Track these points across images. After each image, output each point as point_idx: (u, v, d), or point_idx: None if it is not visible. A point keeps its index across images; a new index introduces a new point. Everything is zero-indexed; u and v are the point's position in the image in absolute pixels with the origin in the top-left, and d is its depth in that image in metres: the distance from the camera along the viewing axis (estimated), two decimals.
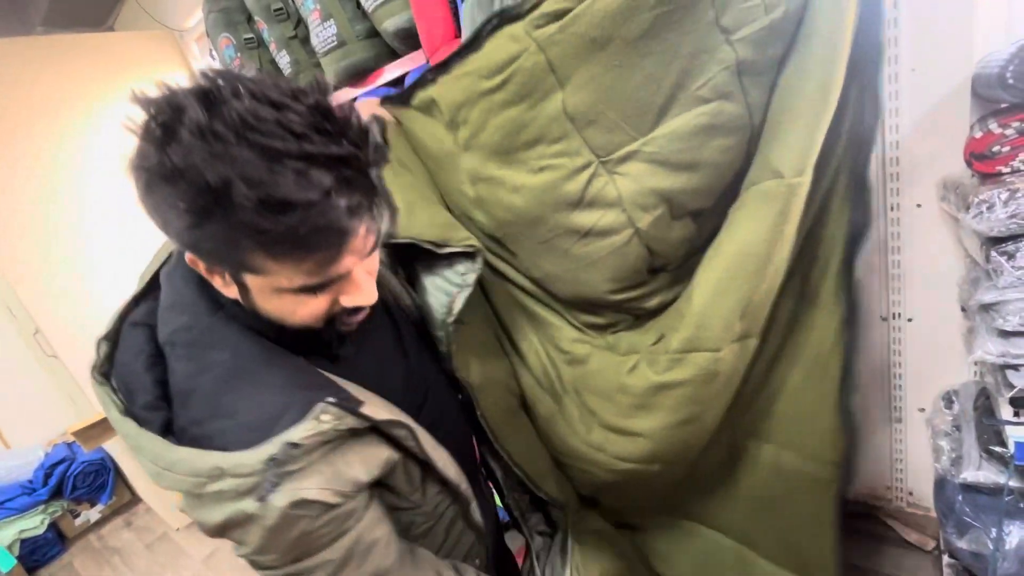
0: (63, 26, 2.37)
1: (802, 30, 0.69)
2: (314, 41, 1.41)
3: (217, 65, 1.87)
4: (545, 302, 0.95)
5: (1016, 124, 0.77)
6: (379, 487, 0.57)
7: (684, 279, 0.84)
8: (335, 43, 1.36)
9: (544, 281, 0.91)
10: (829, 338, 0.81)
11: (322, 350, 0.58)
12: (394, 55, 1.35)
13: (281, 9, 1.46)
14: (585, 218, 0.81)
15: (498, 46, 0.78)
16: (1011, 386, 0.81)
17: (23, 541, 2.40)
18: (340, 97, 0.46)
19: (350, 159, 0.42)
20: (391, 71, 1.36)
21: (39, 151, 2.02)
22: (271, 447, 0.45)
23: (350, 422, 0.48)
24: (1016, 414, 0.85)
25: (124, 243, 2.19)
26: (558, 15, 0.73)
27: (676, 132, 0.74)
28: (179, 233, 0.44)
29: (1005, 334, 0.82)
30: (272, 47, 1.56)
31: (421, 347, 0.73)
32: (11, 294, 2.03)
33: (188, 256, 0.48)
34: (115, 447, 2.41)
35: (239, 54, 1.62)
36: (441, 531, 0.65)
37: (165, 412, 0.51)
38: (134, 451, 0.49)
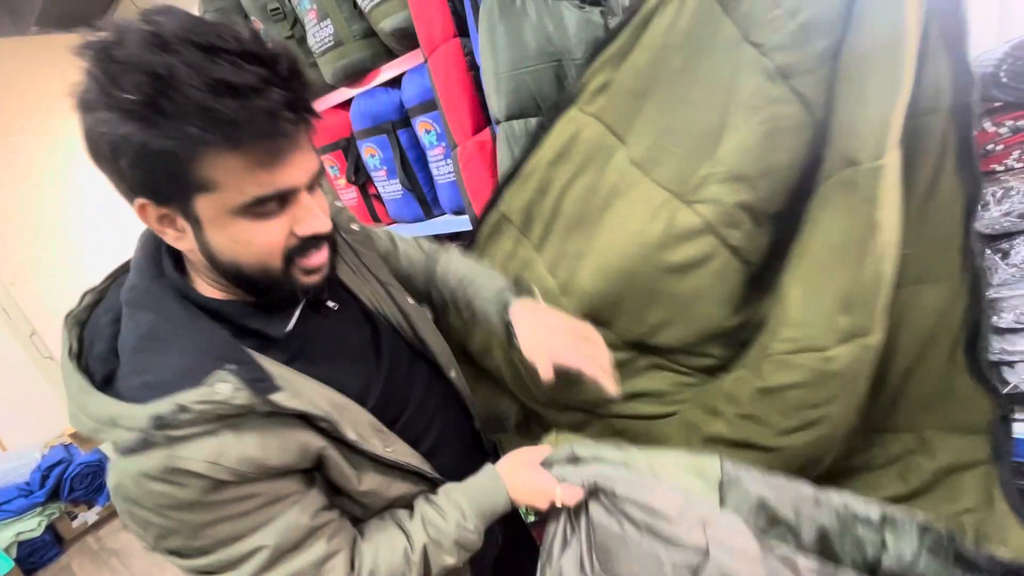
0: (57, 26, 2.36)
1: (856, 14, 0.68)
2: (311, 41, 1.41)
3: None
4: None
5: (1010, 123, 0.78)
6: (335, 492, 0.60)
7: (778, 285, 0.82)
8: (332, 43, 1.36)
9: (650, 336, 0.90)
10: (957, 314, 0.76)
11: (283, 305, 0.59)
12: (391, 55, 1.35)
13: (278, 9, 1.46)
14: (680, 253, 0.83)
15: (559, 133, 0.89)
16: (1006, 383, 0.82)
17: (20, 543, 2.40)
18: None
19: (281, 59, 0.46)
20: (388, 71, 1.36)
21: (34, 152, 2.01)
22: (162, 405, 0.46)
23: (245, 397, 0.48)
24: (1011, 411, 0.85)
25: (121, 243, 2.17)
26: (604, 87, 0.84)
27: (742, 146, 0.76)
28: (130, 158, 0.45)
29: (1000, 331, 0.82)
30: None
31: (406, 354, 0.74)
32: (7, 296, 2.02)
33: (138, 204, 0.50)
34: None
35: None
36: None
37: (113, 364, 0.54)
38: (67, 393, 0.52)
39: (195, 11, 1.94)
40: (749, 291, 0.86)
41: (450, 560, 0.62)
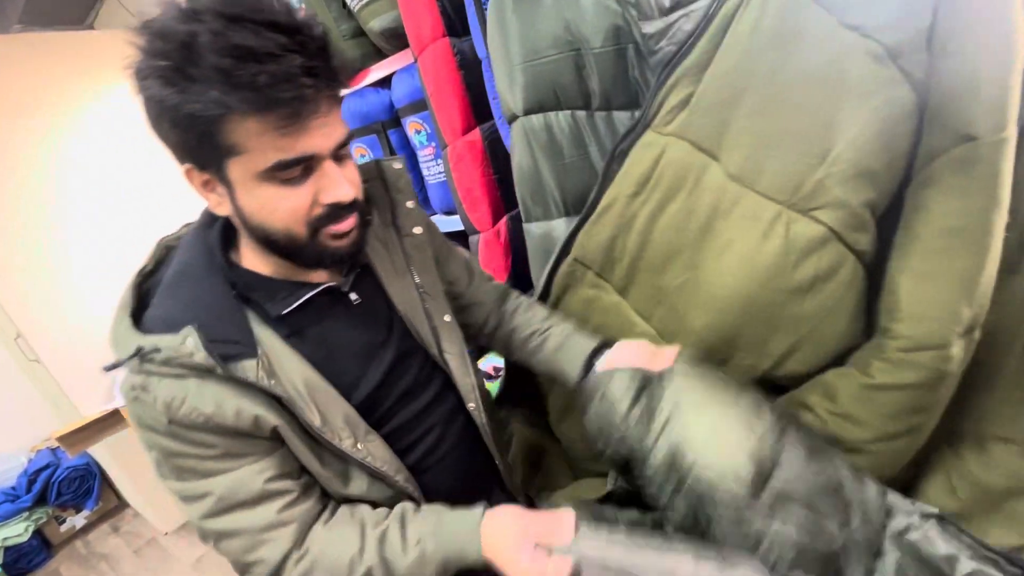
0: (41, 24, 2.32)
1: None
2: None
3: None
4: None
5: None
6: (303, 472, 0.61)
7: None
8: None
9: (776, 368, 0.79)
10: None
11: (313, 265, 0.62)
12: (380, 55, 1.35)
13: None
14: (803, 270, 0.72)
15: (636, 161, 0.81)
16: None
17: (7, 549, 2.36)
18: None
19: (304, 28, 0.48)
20: (378, 71, 1.35)
21: (17, 152, 1.98)
22: (145, 340, 0.52)
23: (202, 358, 0.51)
24: None
25: (106, 245, 2.16)
26: (683, 103, 0.77)
27: (861, 138, 0.68)
28: (169, 121, 0.49)
29: None
30: None
31: (422, 367, 0.72)
32: None
33: (185, 169, 0.55)
34: (101, 452, 2.37)
35: None
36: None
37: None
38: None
39: None
40: (871, 297, 0.76)
41: None
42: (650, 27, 0.82)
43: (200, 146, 0.51)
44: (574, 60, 0.91)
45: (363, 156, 1.43)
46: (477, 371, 0.80)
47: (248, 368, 0.54)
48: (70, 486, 2.53)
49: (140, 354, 0.51)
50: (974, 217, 0.63)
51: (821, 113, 0.69)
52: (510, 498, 0.86)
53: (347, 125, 0.57)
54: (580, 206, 0.94)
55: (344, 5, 1.29)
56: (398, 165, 0.73)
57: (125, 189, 2.23)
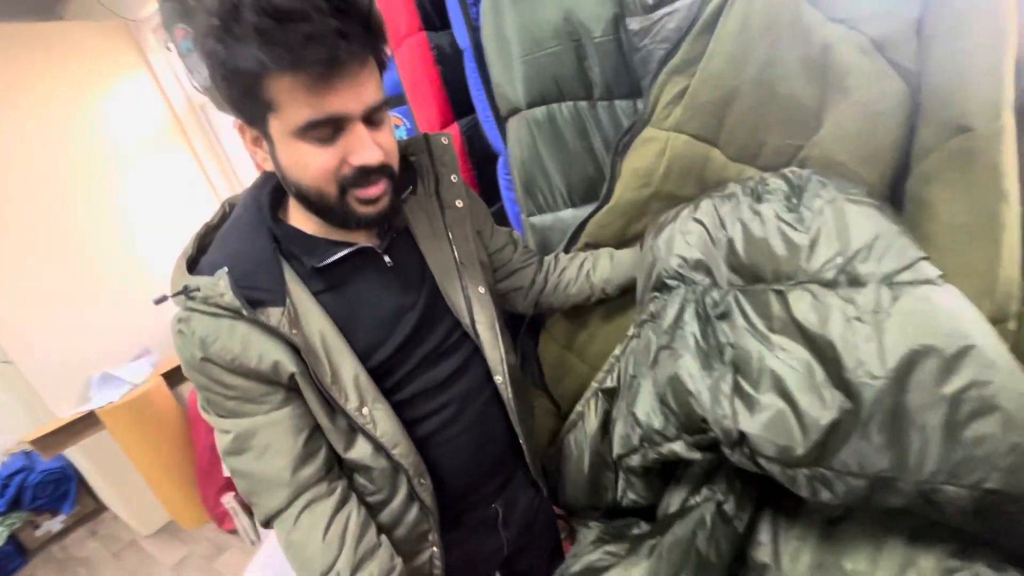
0: (8, 15, 2.25)
1: None
2: None
3: (175, 57, 1.81)
4: None
5: None
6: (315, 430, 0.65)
7: None
8: None
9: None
10: None
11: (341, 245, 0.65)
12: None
13: None
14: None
15: (640, 155, 0.84)
16: None
17: None
18: None
19: (344, 2, 0.51)
20: None
21: None
22: (191, 280, 0.58)
23: (230, 299, 0.56)
24: None
25: (78, 243, 2.10)
26: (678, 97, 0.79)
27: (837, 131, 0.69)
28: (220, 74, 0.53)
29: None
30: None
31: (450, 336, 0.74)
32: None
33: (237, 125, 0.59)
34: (77, 454, 2.33)
35: (197, 46, 1.57)
36: (383, 494, 0.69)
37: None
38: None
39: (151, 3, 1.88)
40: None
41: None
42: (634, 23, 0.83)
43: (245, 101, 0.55)
44: (575, 50, 0.91)
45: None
46: (511, 348, 0.82)
47: (273, 315, 0.58)
48: (45, 490, 2.47)
49: (185, 292, 0.58)
50: (980, 210, 0.60)
51: (810, 101, 0.71)
52: (531, 482, 0.89)
53: (383, 91, 0.59)
54: (586, 196, 0.96)
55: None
56: (445, 140, 0.76)
57: (98, 185, 2.18)
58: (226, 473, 1.99)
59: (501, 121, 1.03)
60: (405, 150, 0.75)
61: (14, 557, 2.42)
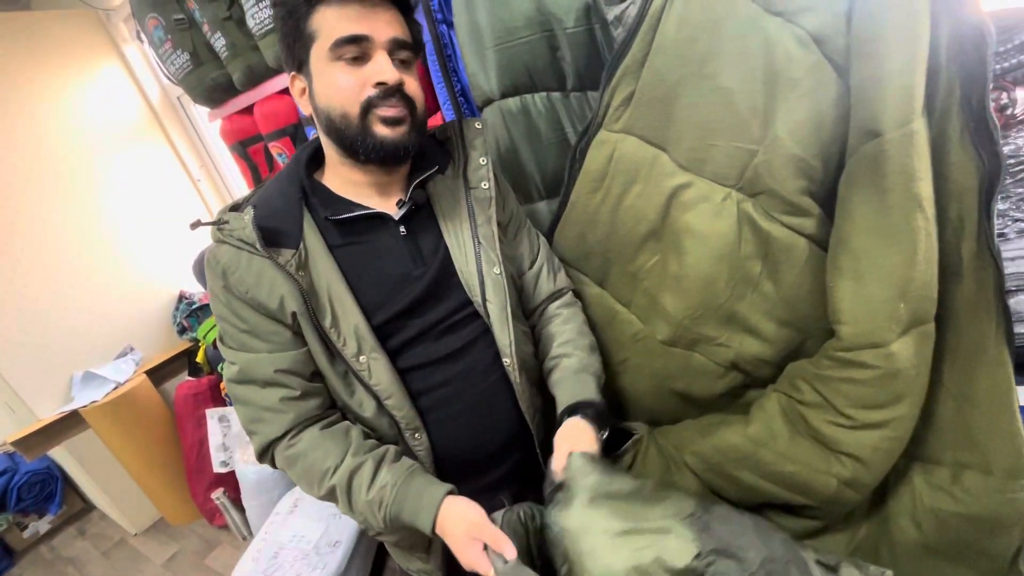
0: None
1: None
2: (250, 23, 1.34)
3: (147, 47, 1.76)
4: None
5: None
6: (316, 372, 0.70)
7: None
8: (272, 25, 1.30)
9: (743, 354, 0.81)
10: (986, 315, 0.65)
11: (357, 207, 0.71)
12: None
13: None
14: (748, 246, 0.75)
15: (591, 159, 0.84)
16: None
17: None
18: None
19: None
20: None
21: None
22: (225, 214, 0.68)
23: (248, 233, 0.63)
24: None
25: (55, 241, 2.06)
26: (627, 100, 0.80)
27: (792, 124, 0.68)
28: (281, 29, 0.68)
29: None
30: (205, 28, 1.48)
31: (460, 311, 0.76)
32: None
33: (291, 76, 0.70)
34: (62, 454, 2.30)
35: (169, 36, 1.53)
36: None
37: None
38: None
39: None
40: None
41: (347, 513, 0.70)
42: (611, 13, 0.83)
43: (296, 40, 0.65)
44: (547, 41, 0.91)
45: None
46: (526, 336, 0.83)
47: (284, 255, 0.65)
48: (31, 491, 2.44)
49: (218, 223, 0.66)
50: (893, 215, 0.61)
51: (754, 98, 0.70)
52: (542, 476, 0.87)
53: (414, 35, 0.69)
54: (559, 188, 0.96)
55: None
56: (478, 125, 0.81)
57: (74, 180, 2.12)
58: (216, 469, 1.99)
59: (462, 115, 1.02)
60: (442, 133, 0.83)
61: (1, 559, 2.40)
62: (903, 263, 0.62)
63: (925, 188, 0.60)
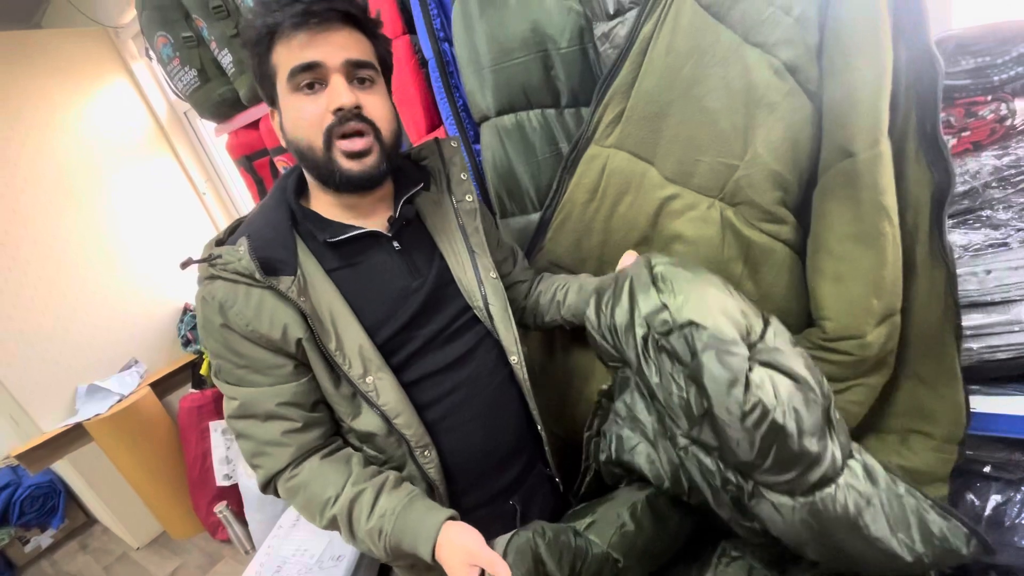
0: None
1: (832, 8, 0.69)
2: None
3: (156, 64, 1.79)
4: None
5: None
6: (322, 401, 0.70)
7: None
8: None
9: None
10: (937, 306, 0.75)
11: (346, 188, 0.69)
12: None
13: (220, 6, 1.41)
14: (731, 249, 0.84)
15: (584, 171, 0.91)
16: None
17: None
18: None
19: None
20: None
21: None
22: (215, 249, 0.65)
23: (246, 264, 0.62)
24: None
25: (62, 254, 2.08)
26: (617, 118, 0.87)
27: (769, 145, 0.76)
28: (253, 67, 0.68)
29: None
30: (213, 46, 1.51)
31: (462, 319, 0.78)
32: None
33: (270, 112, 0.71)
34: (65, 468, 2.30)
35: (178, 53, 1.56)
36: (390, 468, 0.72)
37: None
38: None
39: (131, 11, 1.86)
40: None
41: (350, 542, 0.69)
42: (598, 28, 0.89)
43: (264, 76, 0.66)
44: (542, 60, 0.95)
45: None
46: (521, 334, 0.84)
47: (284, 282, 0.64)
48: (33, 504, 2.44)
49: (209, 259, 0.64)
50: (865, 223, 0.70)
51: (735, 118, 0.78)
52: (549, 478, 0.90)
53: (369, 53, 0.67)
54: None
55: None
56: (454, 143, 0.84)
57: (81, 194, 2.15)
58: (219, 482, 1.98)
59: (464, 129, 1.06)
60: (418, 154, 0.84)
61: (3, 573, 2.38)
62: (876, 265, 0.71)
63: (890, 200, 0.69)
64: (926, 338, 0.77)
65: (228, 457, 1.98)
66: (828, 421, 0.63)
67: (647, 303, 0.67)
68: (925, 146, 0.69)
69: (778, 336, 0.65)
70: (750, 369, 0.60)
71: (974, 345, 0.83)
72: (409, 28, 1.11)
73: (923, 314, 0.76)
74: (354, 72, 0.65)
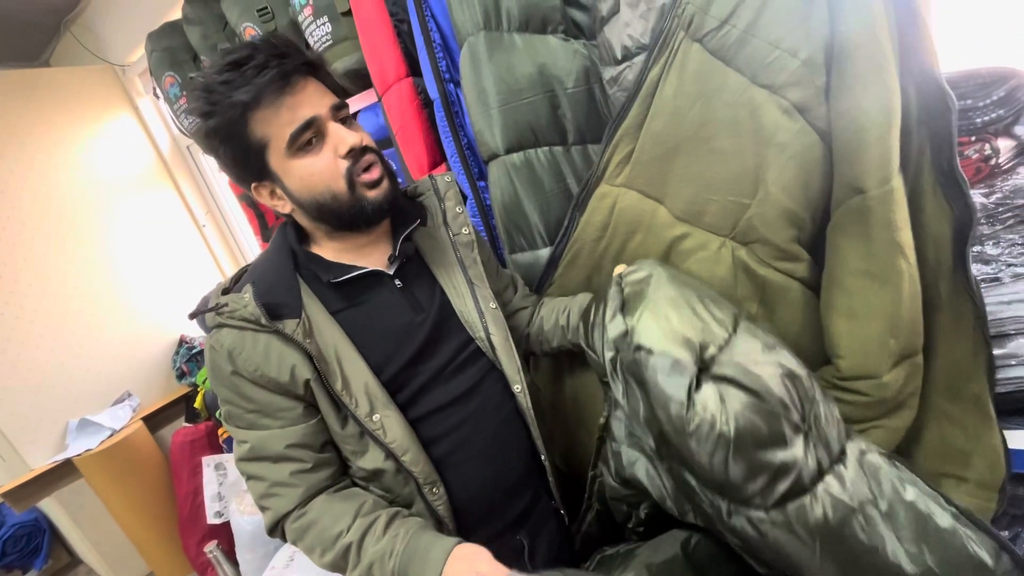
0: None
1: (836, 50, 0.69)
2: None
3: (162, 103, 1.83)
4: None
5: None
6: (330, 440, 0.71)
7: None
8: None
9: None
10: (965, 343, 0.73)
11: (359, 225, 0.71)
12: (346, 94, 1.36)
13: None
14: (745, 288, 0.84)
15: (594, 209, 0.92)
16: None
17: None
18: None
19: (269, 38, 0.65)
20: None
21: None
22: (222, 298, 0.66)
23: (252, 309, 0.63)
24: None
25: (54, 289, 2.07)
26: (627, 159, 0.88)
27: (781, 183, 0.76)
28: (221, 145, 0.66)
29: None
30: None
31: (466, 351, 0.79)
32: None
33: (254, 187, 0.69)
34: (50, 505, 2.23)
35: (185, 92, 1.60)
36: (398, 505, 0.72)
37: None
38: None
39: (141, 50, 1.92)
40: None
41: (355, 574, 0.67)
42: (607, 73, 0.92)
43: (246, 154, 0.65)
44: (549, 100, 0.99)
45: None
46: (523, 364, 0.85)
47: (289, 325, 0.65)
48: (16, 545, 2.36)
49: (216, 308, 0.65)
50: (879, 260, 0.69)
51: (746, 158, 0.78)
52: (555, 511, 0.89)
53: (336, 89, 0.70)
54: None
55: (308, 47, 1.31)
56: (448, 178, 0.86)
57: (82, 228, 2.16)
58: (210, 520, 1.92)
59: (469, 167, 1.08)
60: (414, 192, 0.86)
61: None
62: (891, 302, 0.69)
63: (905, 236, 0.68)
64: (954, 376, 0.75)
65: (220, 493, 1.93)
66: (802, 427, 0.62)
67: (614, 327, 0.71)
68: (943, 180, 0.68)
69: (742, 347, 0.66)
70: (697, 386, 0.62)
71: None
72: (412, 71, 1.15)
73: (950, 351, 0.74)
74: (338, 114, 0.68)
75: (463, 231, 0.84)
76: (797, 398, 0.63)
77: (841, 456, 0.64)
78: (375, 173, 0.69)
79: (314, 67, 0.67)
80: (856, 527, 0.59)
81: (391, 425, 0.69)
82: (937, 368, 0.76)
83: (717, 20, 0.75)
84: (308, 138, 0.64)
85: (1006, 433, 0.78)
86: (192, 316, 0.68)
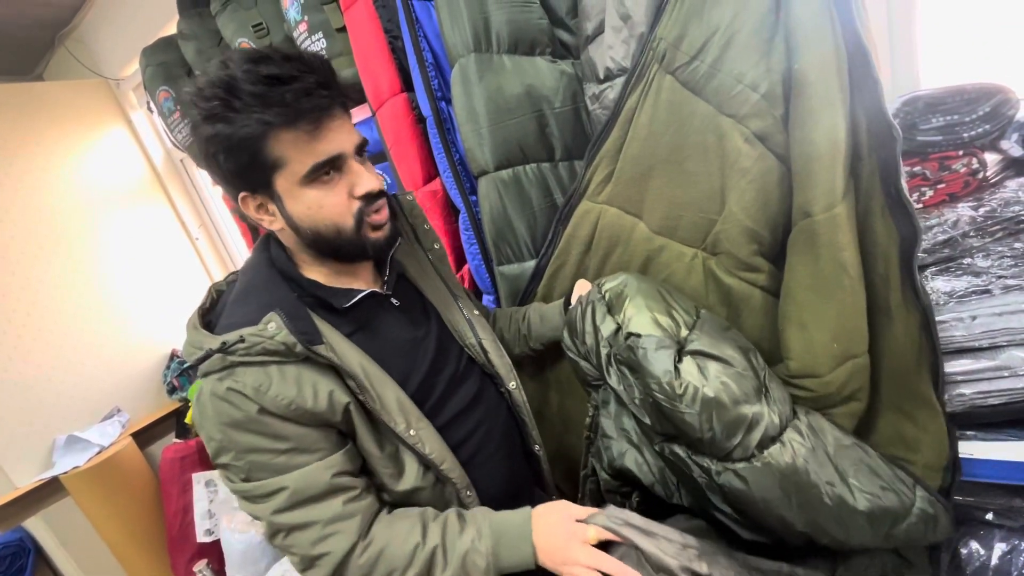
0: None
1: (793, 84, 0.75)
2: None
3: (156, 116, 1.83)
4: None
5: (906, 169, 0.86)
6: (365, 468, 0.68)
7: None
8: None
9: None
10: (912, 347, 0.80)
11: (360, 256, 0.71)
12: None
13: None
14: (715, 295, 0.92)
15: (577, 224, 1.01)
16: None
17: None
18: None
19: (311, 57, 0.61)
20: None
21: None
22: (229, 335, 0.59)
23: (284, 336, 0.59)
24: None
25: (46, 300, 2.05)
26: (607, 178, 0.98)
27: (742, 203, 0.83)
28: (223, 152, 0.60)
29: None
30: None
31: (462, 359, 0.81)
32: None
33: (241, 197, 0.64)
34: (36, 524, 2.18)
35: (178, 107, 1.60)
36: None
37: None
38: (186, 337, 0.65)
39: (135, 64, 1.92)
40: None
41: (447, 574, 0.65)
42: (589, 89, 0.98)
43: (251, 168, 0.61)
44: (537, 119, 1.04)
45: None
46: (512, 366, 0.89)
47: (320, 349, 0.62)
48: (0, 565, 2.30)
49: (223, 348, 0.58)
50: (826, 278, 0.77)
51: (712, 180, 0.87)
52: (547, 497, 0.93)
53: (359, 131, 0.68)
54: None
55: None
56: (409, 197, 0.85)
57: (73, 241, 2.14)
58: (200, 538, 1.89)
59: (461, 182, 1.11)
60: None
61: None
62: (836, 315, 0.78)
63: (849, 256, 0.75)
64: (902, 376, 0.84)
65: (211, 511, 1.90)
66: (761, 389, 0.76)
67: (606, 327, 0.81)
68: (890, 203, 0.74)
69: (706, 328, 0.81)
70: (679, 360, 0.74)
71: (966, 391, 0.84)
72: (406, 86, 1.16)
73: (900, 354, 0.82)
74: (360, 153, 0.67)
75: (435, 246, 0.86)
76: (755, 366, 0.78)
77: (794, 415, 0.78)
78: (384, 215, 0.69)
79: (348, 101, 0.66)
80: (814, 464, 0.72)
81: (427, 437, 0.69)
82: (889, 368, 0.84)
83: (687, 56, 0.82)
84: (327, 171, 0.63)
85: (1000, 444, 0.82)
86: (198, 362, 0.60)
